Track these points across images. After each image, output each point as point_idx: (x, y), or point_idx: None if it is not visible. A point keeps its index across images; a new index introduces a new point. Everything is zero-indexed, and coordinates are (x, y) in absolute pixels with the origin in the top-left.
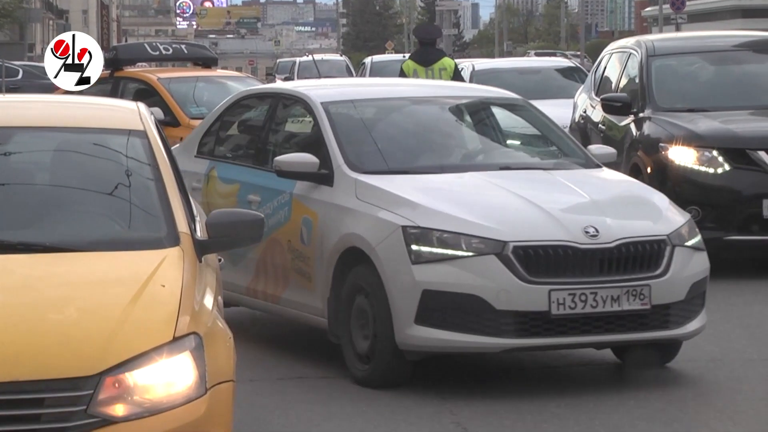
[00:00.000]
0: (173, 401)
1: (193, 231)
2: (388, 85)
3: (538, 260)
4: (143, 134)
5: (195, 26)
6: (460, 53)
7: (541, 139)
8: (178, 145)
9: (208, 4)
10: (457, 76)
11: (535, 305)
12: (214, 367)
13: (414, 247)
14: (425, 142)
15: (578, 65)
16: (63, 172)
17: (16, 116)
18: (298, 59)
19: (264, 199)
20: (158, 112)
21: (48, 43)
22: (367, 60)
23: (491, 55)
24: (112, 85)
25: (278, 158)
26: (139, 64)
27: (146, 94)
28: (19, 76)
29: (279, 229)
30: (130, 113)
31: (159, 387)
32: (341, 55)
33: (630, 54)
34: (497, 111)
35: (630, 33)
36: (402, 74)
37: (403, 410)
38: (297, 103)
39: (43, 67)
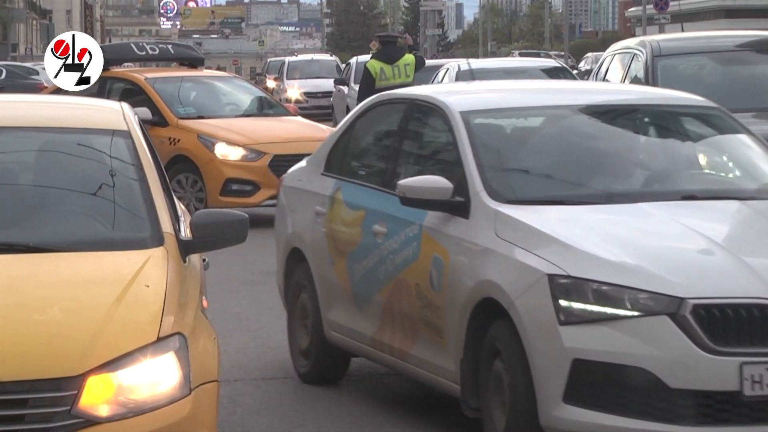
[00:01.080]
0: (157, 401)
1: (177, 231)
2: (544, 91)
3: (726, 323)
4: (127, 134)
5: (179, 26)
6: (445, 53)
7: (740, 159)
8: (304, 160)
9: (192, 4)
10: (420, 63)
11: (723, 383)
12: (199, 367)
13: (563, 302)
14: (589, 164)
15: (564, 66)
16: (47, 172)
17: None
18: (287, 59)
19: (390, 231)
20: (146, 111)
21: (31, 44)
22: (353, 60)
23: (475, 55)
24: (98, 85)
25: (402, 182)
26: (125, 64)
27: (133, 94)
28: (3, 76)
29: (407, 269)
30: (114, 113)
31: (143, 387)
32: (331, 55)
33: (634, 55)
34: (686, 121)
35: (614, 33)
36: (367, 74)
37: (388, 411)
38: (432, 112)
39: (27, 67)
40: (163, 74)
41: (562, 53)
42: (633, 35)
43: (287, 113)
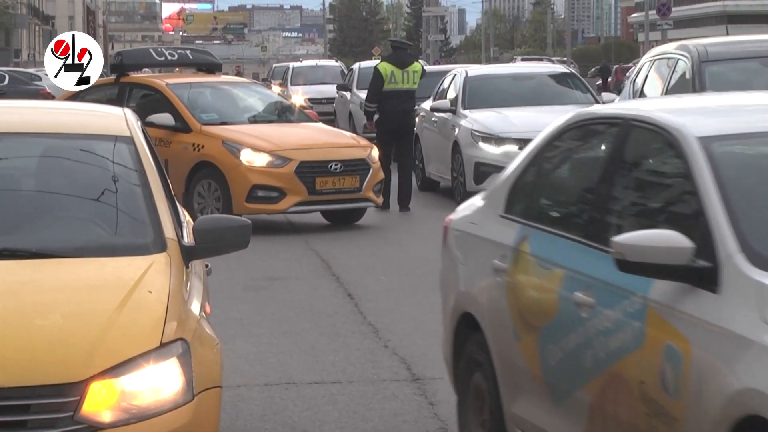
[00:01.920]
0: (160, 407)
1: (180, 237)
2: None
3: None
4: (130, 140)
5: (181, 32)
6: (447, 59)
7: None
8: (479, 196)
9: (188, 7)
10: (423, 75)
11: None
12: (201, 373)
13: None
14: None
15: (573, 71)
16: (49, 177)
17: (2, 122)
18: (291, 65)
19: (601, 302)
20: (168, 118)
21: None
22: (355, 66)
23: (477, 61)
24: (118, 91)
25: (620, 239)
26: (144, 69)
27: (154, 99)
28: (5, 81)
29: (625, 359)
30: (117, 119)
31: (146, 393)
32: (336, 61)
33: (678, 60)
34: None
35: (616, 39)
36: (378, 75)
37: (391, 416)
38: (656, 137)
39: (30, 73)
40: (184, 80)
41: (565, 59)
42: (635, 41)
43: (308, 119)
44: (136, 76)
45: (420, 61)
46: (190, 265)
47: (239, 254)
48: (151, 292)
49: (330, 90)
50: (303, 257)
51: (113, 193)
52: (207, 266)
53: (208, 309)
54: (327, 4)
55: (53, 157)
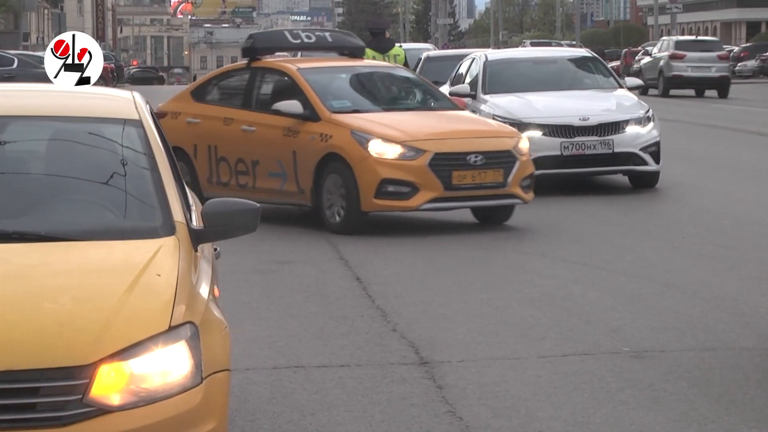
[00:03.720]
0: (169, 390)
1: (188, 220)
2: None
3: None
4: (139, 123)
5: (190, 16)
6: (456, 43)
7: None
8: None
9: None
10: (405, 62)
11: None
12: (210, 356)
13: None
14: None
15: (595, 55)
16: (58, 161)
17: (11, 105)
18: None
19: None
20: (296, 105)
21: (43, 33)
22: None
23: (486, 45)
24: (249, 76)
25: None
26: (278, 54)
27: (285, 86)
28: (14, 65)
29: None
30: (126, 102)
31: (155, 376)
32: None
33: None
34: None
35: (625, 23)
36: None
37: (399, 400)
38: None
39: (39, 56)
40: (318, 64)
41: (574, 42)
42: (644, 25)
43: (454, 107)
44: (267, 60)
45: (399, 45)
46: (198, 248)
47: (248, 238)
48: (159, 275)
49: None
50: (311, 241)
51: (122, 177)
52: (216, 250)
53: (216, 292)
54: None
55: (62, 141)
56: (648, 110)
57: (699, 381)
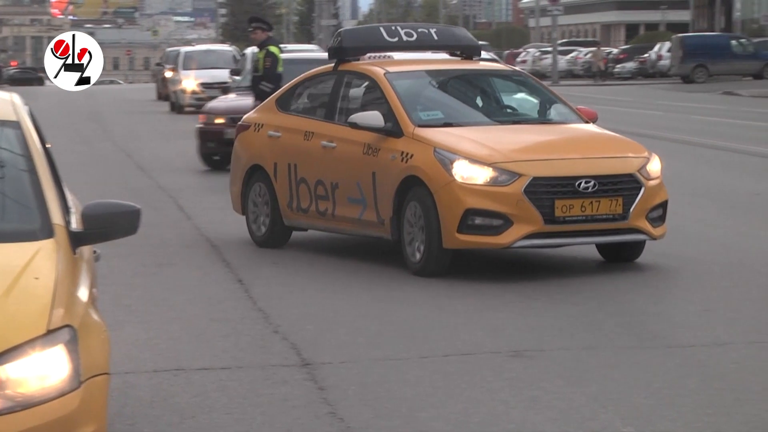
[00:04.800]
0: (46, 395)
1: (67, 223)
2: None
3: None
4: (17, 125)
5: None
6: None
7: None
8: None
9: None
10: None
11: None
12: (89, 359)
13: None
14: None
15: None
16: None
17: None
18: (182, 49)
19: None
20: (375, 117)
21: None
22: (248, 50)
23: None
24: (333, 82)
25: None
26: (371, 55)
27: (371, 93)
28: None
29: None
30: (4, 104)
31: (32, 380)
32: (230, 45)
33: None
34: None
35: (507, 24)
36: (276, 60)
37: (280, 402)
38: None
39: None
40: (412, 68)
41: None
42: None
43: (578, 119)
44: (355, 63)
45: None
46: (78, 251)
47: (129, 240)
48: (37, 278)
49: (222, 74)
50: (194, 244)
51: None
52: (95, 252)
53: (95, 295)
54: None
55: None
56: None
57: (577, 380)
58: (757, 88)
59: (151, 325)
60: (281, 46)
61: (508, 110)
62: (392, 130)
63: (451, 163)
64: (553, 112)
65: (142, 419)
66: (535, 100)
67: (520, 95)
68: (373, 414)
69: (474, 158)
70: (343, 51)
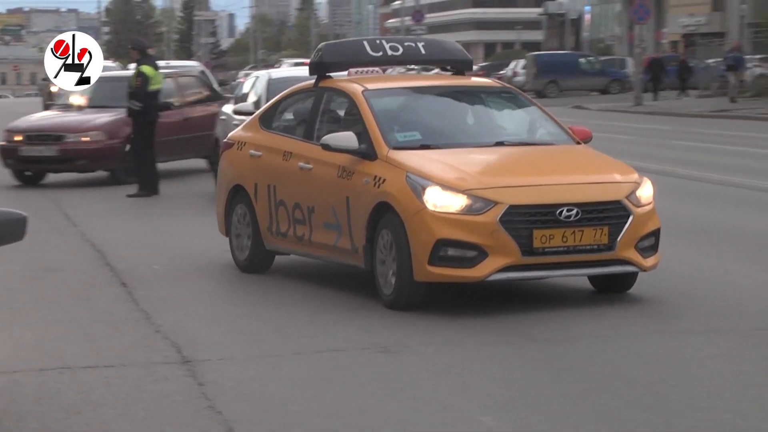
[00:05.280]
0: None
1: None
2: None
3: None
4: None
5: None
6: (217, 60)
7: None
8: None
9: None
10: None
11: None
12: None
13: None
14: None
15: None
16: None
17: None
18: None
19: None
20: (349, 138)
21: None
22: (131, 66)
23: (247, 63)
24: (313, 99)
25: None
26: (356, 70)
27: (348, 112)
28: None
29: None
30: None
31: None
32: (114, 62)
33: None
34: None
35: None
36: (146, 78)
37: (162, 397)
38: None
39: None
40: (393, 84)
41: None
42: None
43: (569, 139)
44: (335, 79)
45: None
46: None
47: (16, 246)
48: None
49: None
50: (79, 249)
51: None
52: None
53: None
54: (103, 8)
55: None
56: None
57: (440, 373)
58: (604, 102)
59: (38, 326)
60: (162, 62)
61: (493, 130)
62: (366, 152)
63: (423, 189)
64: (542, 131)
65: (30, 416)
66: (524, 119)
67: (508, 113)
68: (250, 407)
69: (446, 184)
70: (323, 66)
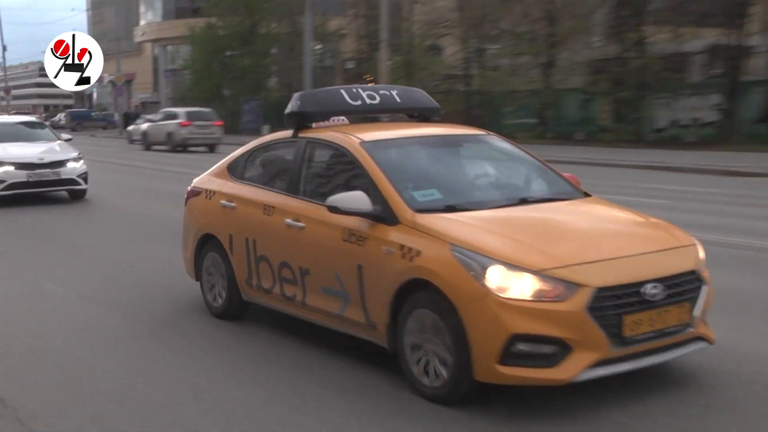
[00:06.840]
0: None
1: None
2: None
3: None
4: None
5: None
6: None
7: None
8: None
9: None
10: None
11: None
12: None
13: None
14: None
15: (40, 121)
16: None
17: None
18: None
19: None
20: (361, 199)
21: None
22: None
23: None
24: (295, 150)
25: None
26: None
27: (343, 168)
28: None
29: None
30: None
31: None
32: None
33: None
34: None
35: None
36: None
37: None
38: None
39: None
40: (387, 134)
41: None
42: None
43: (573, 191)
44: (319, 129)
45: None
46: None
47: None
48: None
49: None
50: None
51: None
52: None
53: None
54: None
55: None
56: (79, 153)
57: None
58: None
59: None
60: None
61: (506, 183)
62: (383, 215)
63: (483, 269)
64: (547, 183)
65: None
66: (520, 168)
67: (503, 162)
68: None
69: (512, 263)
70: (303, 116)
